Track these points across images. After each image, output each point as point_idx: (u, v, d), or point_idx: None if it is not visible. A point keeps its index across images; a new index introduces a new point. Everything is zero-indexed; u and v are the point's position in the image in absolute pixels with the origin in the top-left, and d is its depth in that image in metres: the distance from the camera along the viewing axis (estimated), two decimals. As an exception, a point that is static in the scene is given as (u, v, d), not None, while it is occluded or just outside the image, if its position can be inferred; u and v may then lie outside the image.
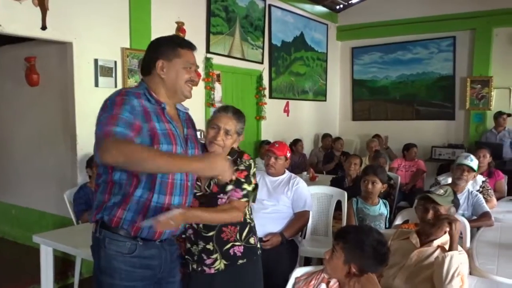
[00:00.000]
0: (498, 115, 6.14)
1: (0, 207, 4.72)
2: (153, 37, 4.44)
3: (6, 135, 4.58)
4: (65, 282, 3.64)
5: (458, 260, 1.94)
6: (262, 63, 6.03)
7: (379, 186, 2.99)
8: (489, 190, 3.69)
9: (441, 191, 2.20)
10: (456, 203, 2.23)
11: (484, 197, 3.32)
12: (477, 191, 3.51)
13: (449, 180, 3.74)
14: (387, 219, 3.02)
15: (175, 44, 1.60)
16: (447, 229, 2.08)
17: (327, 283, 1.83)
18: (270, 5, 6.11)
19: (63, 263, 3.65)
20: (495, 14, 6.31)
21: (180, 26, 4.60)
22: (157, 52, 1.59)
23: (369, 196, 3.01)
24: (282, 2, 6.35)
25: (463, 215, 3.02)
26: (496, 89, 6.55)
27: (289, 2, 6.50)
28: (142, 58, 1.68)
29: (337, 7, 7.68)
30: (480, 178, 3.77)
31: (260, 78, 6.01)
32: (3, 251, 4.36)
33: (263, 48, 6.03)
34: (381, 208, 3.00)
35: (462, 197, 3.22)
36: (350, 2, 7.60)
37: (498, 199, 3.86)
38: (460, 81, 6.90)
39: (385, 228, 2.89)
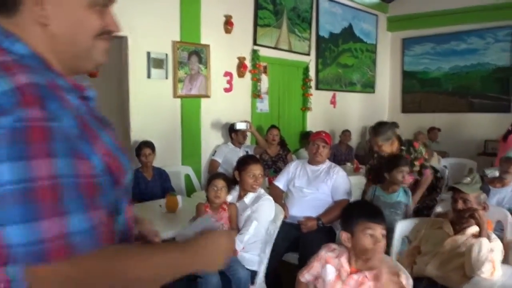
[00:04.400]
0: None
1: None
2: (202, 31, 4.70)
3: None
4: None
5: (488, 246, 1.96)
6: (309, 54, 6.08)
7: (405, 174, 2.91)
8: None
9: (468, 179, 2.22)
10: (485, 189, 2.23)
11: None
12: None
13: (497, 174, 3.66)
14: (406, 207, 2.92)
15: None
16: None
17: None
18: (318, -3, 6.13)
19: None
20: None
21: (228, 19, 4.76)
22: None
23: (387, 184, 2.96)
24: (330, -7, 6.35)
25: (509, 208, 2.97)
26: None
27: (338, -7, 6.48)
28: None
29: (388, -3, 7.53)
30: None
31: (306, 69, 6.06)
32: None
33: (310, 40, 6.07)
34: (400, 196, 2.89)
35: (508, 190, 3.16)
36: (401, -9, 7.42)
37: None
38: (518, 72, 6.58)
39: (404, 217, 2.79)
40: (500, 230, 2.68)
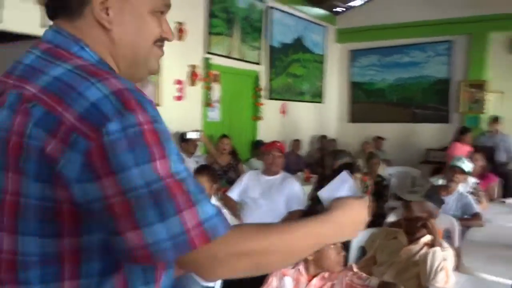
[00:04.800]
0: (492, 119, 6.21)
1: None
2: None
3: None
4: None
5: (440, 255, 2.01)
6: (260, 64, 6.10)
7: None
8: (480, 192, 3.76)
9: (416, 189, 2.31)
10: (436, 200, 2.31)
11: (475, 199, 3.40)
12: (468, 192, 3.59)
13: (440, 181, 3.82)
14: None
15: None
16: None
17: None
18: (269, 7, 6.17)
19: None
20: (492, 19, 6.38)
21: (180, 26, 4.67)
22: None
23: None
24: (282, 4, 6.42)
25: (454, 215, 3.09)
26: (491, 93, 6.63)
27: (289, 4, 6.57)
28: None
29: (336, 10, 7.75)
30: (471, 180, 3.84)
31: (257, 79, 6.08)
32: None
33: (261, 50, 6.09)
34: None
35: (452, 198, 3.30)
36: (349, 5, 7.67)
37: (489, 200, 3.94)
38: (455, 84, 6.98)
39: None
40: (447, 237, 2.78)
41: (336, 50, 8.01)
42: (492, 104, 6.64)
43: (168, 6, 0.79)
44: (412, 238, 2.28)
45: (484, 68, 6.68)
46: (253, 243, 0.67)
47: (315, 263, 1.79)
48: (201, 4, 5.05)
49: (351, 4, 7.66)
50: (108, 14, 0.70)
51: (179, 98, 4.78)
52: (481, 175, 4.43)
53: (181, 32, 4.67)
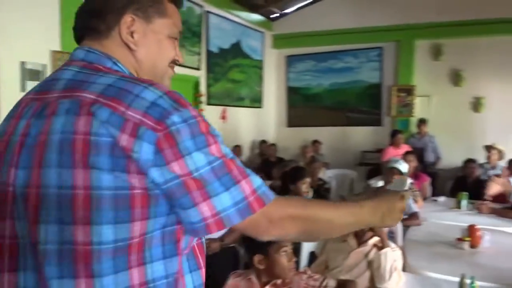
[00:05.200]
0: (420, 121, 6.61)
1: None
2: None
3: None
4: None
5: (392, 256, 2.07)
6: (199, 69, 6.01)
7: None
8: (416, 192, 3.96)
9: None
10: None
11: (412, 199, 3.56)
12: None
13: (379, 183, 3.97)
14: None
15: None
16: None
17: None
18: (207, 12, 6.11)
19: None
20: (417, 27, 6.78)
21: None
22: None
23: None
24: (219, 9, 6.38)
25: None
26: (418, 97, 7.04)
27: (226, 9, 6.54)
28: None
29: (272, 15, 7.85)
30: (407, 181, 4.03)
31: (197, 84, 5.98)
32: None
33: (200, 55, 6.01)
34: None
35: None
36: (284, 11, 7.80)
37: (424, 199, 4.16)
38: (386, 89, 7.34)
39: None
40: (390, 237, 2.89)
41: (273, 56, 8.11)
42: (419, 107, 7.06)
43: (181, 33, 0.93)
44: (361, 240, 2.33)
45: (411, 73, 7.08)
46: (300, 209, 0.80)
47: (266, 271, 1.77)
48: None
49: (287, 10, 7.80)
50: (133, 37, 0.83)
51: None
52: (415, 175, 4.68)
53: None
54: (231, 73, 6.80)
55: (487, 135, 6.22)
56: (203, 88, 6.09)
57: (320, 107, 7.89)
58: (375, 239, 2.29)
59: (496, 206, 3.70)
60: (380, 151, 6.86)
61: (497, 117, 6.47)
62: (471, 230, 2.66)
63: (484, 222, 3.09)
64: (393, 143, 5.94)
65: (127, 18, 0.82)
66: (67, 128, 0.69)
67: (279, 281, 1.81)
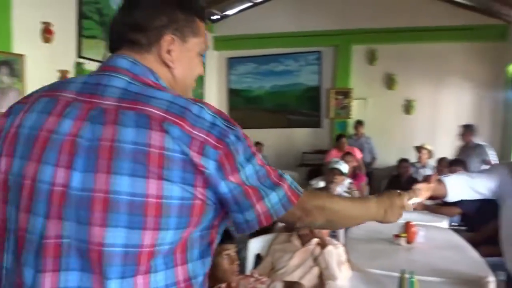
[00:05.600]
0: (357, 123, 6.88)
1: None
2: (14, 38, 4.06)
3: None
4: None
5: (336, 252, 2.12)
6: (138, 70, 5.84)
7: None
8: (355, 191, 4.11)
9: None
10: None
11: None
12: (345, 192, 3.88)
13: (321, 184, 4.07)
14: None
15: (193, 7, 0.94)
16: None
17: None
18: (146, 11, 5.95)
19: None
20: (353, 33, 7.07)
21: (46, 27, 4.22)
22: (167, 15, 0.89)
23: None
24: (158, 9, 6.24)
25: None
26: (355, 99, 7.33)
27: (166, 9, 6.41)
28: (123, 9, 0.91)
29: (213, 17, 7.82)
30: (346, 181, 4.17)
31: (136, 85, 5.80)
32: None
33: (139, 55, 5.84)
34: None
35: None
36: (225, 13, 7.79)
37: (362, 198, 4.32)
38: (325, 92, 7.56)
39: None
40: (332, 236, 2.96)
41: (214, 58, 8.07)
42: (356, 110, 7.34)
43: (207, 48, 1.01)
44: (305, 239, 2.37)
45: (348, 77, 7.36)
46: (327, 201, 0.96)
47: (209, 275, 1.75)
48: (71, 4, 4.64)
49: (228, 12, 7.80)
50: (171, 55, 0.89)
51: (48, 106, 4.30)
52: (353, 175, 4.86)
53: (48, 33, 4.22)
54: (171, 75, 6.66)
55: (418, 136, 6.59)
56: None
57: (261, 109, 7.97)
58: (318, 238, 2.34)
59: (429, 202, 3.92)
60: (320, 152, 7.06)
61: (427, 119, 6.88)
62: (407, 227, 2.80)
63: (419, 219, 3.25)
64: (337, 146, 6.14)
65: (167, 37, 0.88)
66: (141, 140, 0.74)
67: (223, 285, 1.79)
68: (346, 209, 1.01)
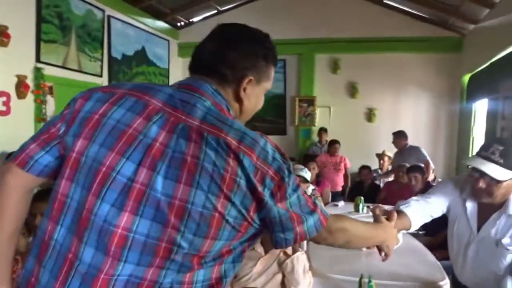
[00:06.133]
0: (321, 130, 7.00)
1: None
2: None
3: None
4: None
5: (302, 259, 2.14)
6: (101, 76, 5.72)
7: None
8: (318, 197, 4.16)
9: None
10: None
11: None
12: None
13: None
14: None
15: (273, 58, 1.10)
16: None
17: None
18: (109, 16, 5.85)
19: None
20: (317, 42, 7.21)
21: (3, 30, 4.07)
22: (253, 60, 1.03)
23: None
24: (122, 14, 6.15)
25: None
26: (319, 107, 7.46)
27: (130, 15, 6.33)
28: (219, 43, 1.05)
29: (178, 24, 7.78)
30: (310, 187, 4.23)
31: (98, 91, 5.68)
32: None
33: (102, 61, 5.73)
34: None
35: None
36: (190, 20, 7.78)
37: (324, 204, 4.39)
38: (290, 100, 7.65)
39: None
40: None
41: (179, 64, 8.03)
42: (320, 117, 7.47)
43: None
44: (268, 247, 2.38)
45: (312, 85, 7.49)
46: (348, 224, 1.10)
47: None
48: (30, 7, 4.50)
49: (193, 19, 7.79)
50: (245, 92, 1.03)
51: (5, 113, 4.14)
52: (316, 182, 4.93)
53: (5, 37, 4.08)
54: (136, 80, 6.57)
55: (379, 143, 6.77)
56: (105, 96, 5.79)
57: (227, 117, 7.95)
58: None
59: (388, 207, 4.03)
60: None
61: (387, 127, 7.08)
62: (367, 232, 2.86)
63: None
64: (329, 151, 6.29)
65: (248, 78, 1.02)
66: (220, 164, 0.86)
67: None
68: (362, 232, 1.19)
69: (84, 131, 0.92)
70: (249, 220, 0.91)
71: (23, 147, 0.99)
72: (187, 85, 0.99)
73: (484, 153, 1.77)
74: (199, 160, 0.86)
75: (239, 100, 1.03)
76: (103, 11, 5.69)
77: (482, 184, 1.77)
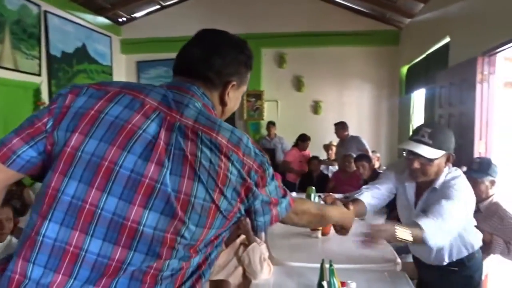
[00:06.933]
0: (269, 124, 7.09)
1: None
2: None
3: None
4: None
5: (259, 250, 2.18)
6: (40, 75, 5.44)
7: None
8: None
9: None
10: None
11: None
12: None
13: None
14: None
15: (251, 64, 1.20)
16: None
17: None
18: (46, 12, 5.57)
19: None
20: (263, 37, 7.26)
21: None
22: (236, 67, 1.13)
23: None
24: (60, 10, 5.88)
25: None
26: (266, 101, 7.54)
27: (68, 11, 6.06)
28: (208, 49, 1.11)
29: (120, 19, 7.55)
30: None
31: (38, 91, 5.40)
32: None
33: (40, 59, 5.45)
34: None
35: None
36: (133, 16, 7.57)
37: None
38: (238, 95, 7.66)
39: None
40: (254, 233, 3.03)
41: (122, 61, 7.80)
42: (268, 111, 7.56)
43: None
44: (228, 241, 2.40)
45: (259, 79, 7.55)
46: (311, 207, 1.33)
47: None
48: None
49: (135, 15, 7.59)
50: (229, 96, 1.12)
51: None
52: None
53: None
54: (77, 79, 6.31)
55: (326, 135, 6.96)
56: (45, 96, 5.52)
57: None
58: (242, 237, 2.38)
59: (338, 195, 4.17)
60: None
61: (333, 118, 7.28)
62: (322, 220, 2.95)
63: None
64: (299, 146, 6.34)
65: (232, 83, 1.11)
66: (214, 162, 0.94)
67: None
68: (323, 213, 1.38)
69: (79, 126, 0.93)
70: (236, 209, 1.01)
71: (4, 141, 0.96)
72: (177, 86, 1.05)
73: (416, 137, 1.91)
74: (197, 157, 0.93)
75: (223, 103, 1.13)
76: (38, 6, 5.41)
77: (416, 164, 1.91)
